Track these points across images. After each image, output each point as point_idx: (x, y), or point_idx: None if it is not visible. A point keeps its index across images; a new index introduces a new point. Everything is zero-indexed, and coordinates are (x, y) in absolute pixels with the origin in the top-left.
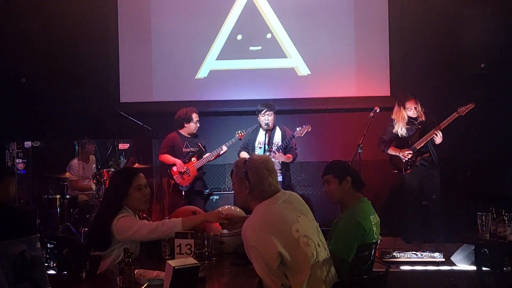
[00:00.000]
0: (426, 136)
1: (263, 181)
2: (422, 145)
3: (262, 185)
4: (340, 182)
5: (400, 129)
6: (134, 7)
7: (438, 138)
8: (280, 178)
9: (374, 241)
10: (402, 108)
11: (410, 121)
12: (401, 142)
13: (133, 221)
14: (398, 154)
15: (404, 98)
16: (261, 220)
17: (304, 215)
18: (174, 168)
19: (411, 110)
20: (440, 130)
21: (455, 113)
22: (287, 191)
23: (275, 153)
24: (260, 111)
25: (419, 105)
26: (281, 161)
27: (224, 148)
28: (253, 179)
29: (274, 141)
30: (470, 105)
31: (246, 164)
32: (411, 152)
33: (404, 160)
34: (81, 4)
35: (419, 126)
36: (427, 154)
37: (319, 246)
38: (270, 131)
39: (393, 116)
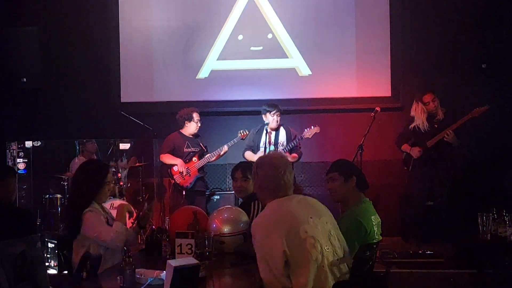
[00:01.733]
0: (438, 135)
1: (271, 178)
2: (433, 144)
3: (270, 183)
4: (345, 180)
5: (422, 124)
6: (135, 6)
7: (450, 138)
8: None
9: (375, 241)
10: (420, 103)
11: (429, 117)
12: (417, 140)
13: (99, 222)
14: (409, 152)
15: (421, 93)
16: (270, 217)
17: (317, 217)
18: (175, 168)
19: (429, 103)
20: (453, 130)
21: (469, 114)
22: (301, 195)
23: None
24: (269, 111)
25: (437, 100)
26: None
27: (225, 147)
28: (260, 175)
29: (279, 141)
30: (485, 107)
31: (257, 162)
32: (421, 149)
33: (413, 158)
34: (82, 3)
35: (435, 125)
36: (438, 154)
37: (327, 250)
38: (274, 131)
39: (412, 113)
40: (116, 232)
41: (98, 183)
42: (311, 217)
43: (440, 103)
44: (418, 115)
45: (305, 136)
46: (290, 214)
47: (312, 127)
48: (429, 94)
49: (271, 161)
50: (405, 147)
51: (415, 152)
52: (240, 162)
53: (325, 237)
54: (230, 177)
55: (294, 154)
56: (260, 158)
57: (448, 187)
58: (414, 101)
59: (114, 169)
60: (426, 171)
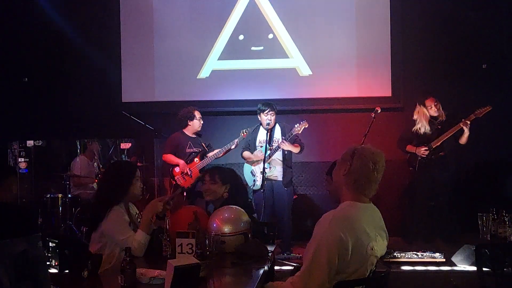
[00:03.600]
0: (442, 136)
1: (364, 172)
2: (438, 144)
3: (360, 176)
4: None
5: (424, 128)
6: (136, 6)
7: (466, 129)
8: (280, 178)
9: None
10: (422, 106)
11: (431, 120)
12: (420, 142)
13: (126, 228)
14: (414, 152)
15: (423, 97)
16: (349, 219)
17: (381, 237)
18: (176, 169)
19: (431, 107)
20: (454, 133)
21: (472, 114)
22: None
23: (283, 142)
24: (262, 111)
25: (439, 103)
26: (283, 157)
27: (235, 142)
28: (355, 165)
29: (274, 138)
30: (488, 107)
31: (356, 149)
32: (427, 148)
33: (419, 158)
34: (83, 3)
35: (439, 126)
36: (442, 153)
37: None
38: (270, 129)
39: (415, 116)
40: (138, 243)
41: (130, 179)
42: (377, 235)
43: (441, 103)
44: (421, 119)
45: (294, 132)
46: (362, 226)
47: (301, 122)
48: (431, 98)
49: (373, 156)
50: (410, 147)
51: (421, 151)
52: (212, 167)
53: (381, 253)
54: None
55: (297, 144)
56: (362, 148)
57: (450, 188)
58: (417, 104)
59: None
60: (429, 172)
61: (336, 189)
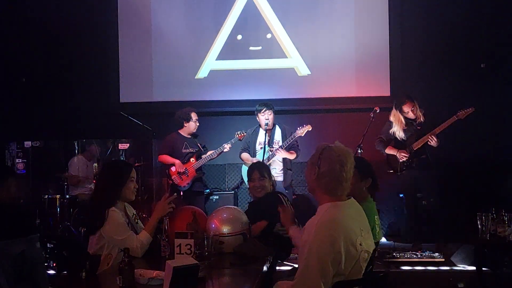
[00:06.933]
0: (423, 138)
1: (332, 174)
2: (419, 146)
3: (329, 179)
4: (361, 180)
5: (398, 132)
6: (134, 6)
7: (433, 143)
8: (281, 178)
9: (375, 241)
10: (398, 112)
11: (409, 122)
12: (399, 143)
13: (125, 228)
14: (395, 154)
15: (400, 101)
16: (335, 221)
17: (366, 231)
18: (173, 169)
19: (408, 113)
20: (437, 134)
21: (454, 116)
22: (351, 200)
23: (279, 151)
24: (259, 111)
25: (416, 107)
26: (283, 159)
27: (227, 146)
28: (323, 168)
29: (274, 140)
30: (470, 109)
31: (322, 152)
32: (407, 154)
33: (400, 161)
34: (81, 3)
35: (418, 128)
36: (424, 156)
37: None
38: (270, 130)
39: (391, 119)
40: (141, 243)
41: (123, 179)
42: (362, 229)
43: (440, 103)
44: (396, 123)
45: (297, 134)
46: (349, 224)
47: (304, 125)
48: (408, 103)
49: (339, 157)
50: (391, 149)
51: (402, 155)
52: (254, 162)
53: (371, 249)
54: (229, 177)
55: (292, 151)
56: (328, 150)
57: (436, 187)
58: (394, 108)
59: None
60: (410, 173)
61: (312, 192)
